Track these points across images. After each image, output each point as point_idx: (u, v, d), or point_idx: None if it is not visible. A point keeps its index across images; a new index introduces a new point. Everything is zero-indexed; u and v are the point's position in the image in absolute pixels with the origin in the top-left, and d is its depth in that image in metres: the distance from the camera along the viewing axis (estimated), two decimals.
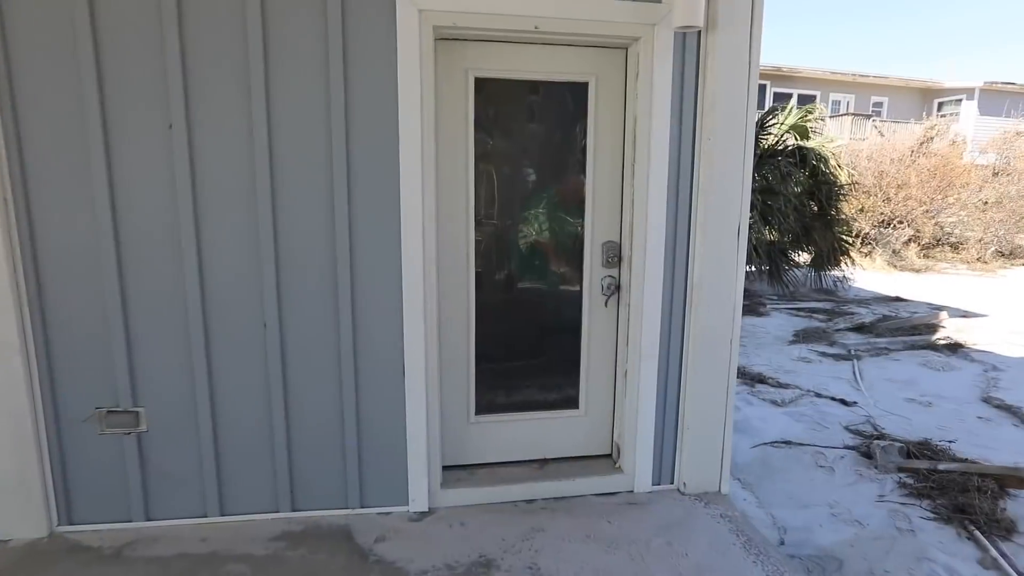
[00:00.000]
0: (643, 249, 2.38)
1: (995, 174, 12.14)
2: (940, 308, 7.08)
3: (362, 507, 2.37)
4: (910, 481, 3.02)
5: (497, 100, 2.47)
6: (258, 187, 2.09)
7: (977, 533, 2.55)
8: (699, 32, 2.24)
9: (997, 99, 19.05)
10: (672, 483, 2.60)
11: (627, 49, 2.37)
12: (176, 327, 2.14)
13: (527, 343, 2.78)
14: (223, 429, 2.24)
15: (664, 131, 2.29)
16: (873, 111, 19.13)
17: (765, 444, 3.48)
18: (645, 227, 2.36)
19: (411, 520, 2.35)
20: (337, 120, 2.09)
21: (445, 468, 2.56)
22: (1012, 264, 11.43)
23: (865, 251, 10.43)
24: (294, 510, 2.32)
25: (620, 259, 2.52)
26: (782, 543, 2.48)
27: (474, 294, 2.56)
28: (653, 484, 2.58)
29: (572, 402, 2.75)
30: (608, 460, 2.71)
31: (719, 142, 2.29)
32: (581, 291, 2.62)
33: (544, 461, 2.71)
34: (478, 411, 2.67)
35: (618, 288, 2.61)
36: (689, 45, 2.26)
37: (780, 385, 4.55)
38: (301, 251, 2.17)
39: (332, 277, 2.20)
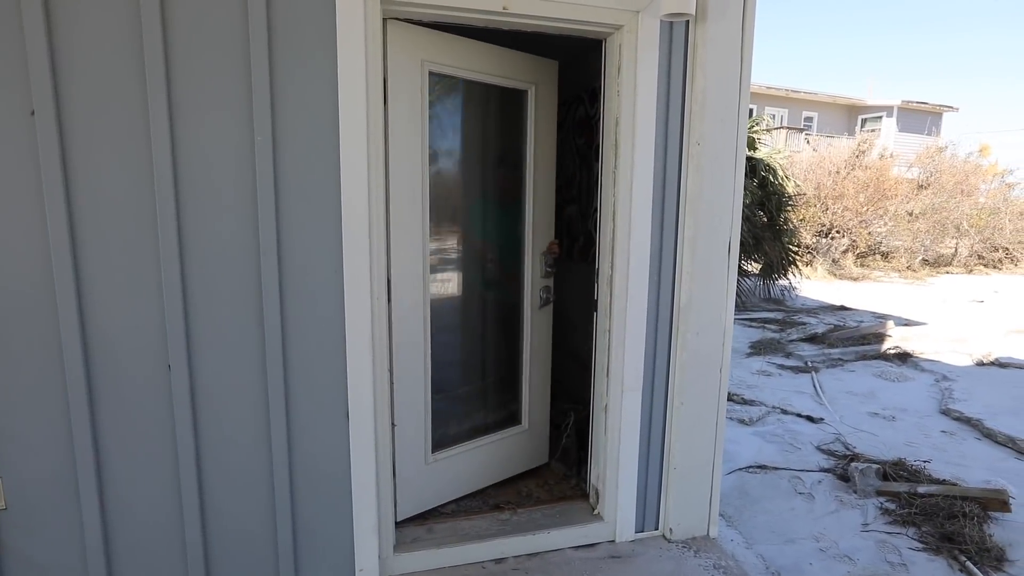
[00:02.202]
0: (625, 267, 2.09)
1: (920, 187, 12.83)
2: (884, 317, 7.25)
3: None
4: (892, 506, 2.88)
5: (447, 101, 2.21)
6: (159, 193, 1.66)
7: (970, 565, 2.41)
8: (687, 22, 1.99)
9: (913, 117, 20.40)
10: (657, 529, 2.32)
11: (606, 40, 2.09)
12: (46, 370, 1.66)
13: (474, 363, 2.65)
14: (115, 498, 1.77)
15: (649, 134, 2.02)
16: (805, 125, 20.02)
17: (740, 470, 3.28)
18: (628, 242, 2.07)
19: None
20: (262, 114, 1.69)
21: (399, 524, 2.18)
22: (938, 272, 12.07)
23: (807, 260, 10.72)
24: None
25: (599, 279, 2.23)
26: None
27: (429, 316, 2.24)
28: (636, 531, 2.28)
29: (515, 418, 2.70)
30: (584, 504, 2.40)
31: (708, 147, 2.04)
32: (521, 303, 2.58)
33: (514, 509, 2.38)
34: (434, 448, 2.35)
35: (550, 300, 2.63)
36: (676, 37, 2.00)
37: (745, 402, 4.41)
38: (216, 274, 1.74)
39: (257, 304, 1.78)
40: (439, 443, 2.38)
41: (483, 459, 2.54)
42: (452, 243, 2.44)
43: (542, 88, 2.45)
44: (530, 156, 2.47)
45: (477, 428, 2.56)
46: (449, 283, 2.47)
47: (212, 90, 1.67)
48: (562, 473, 2.73)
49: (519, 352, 2.61)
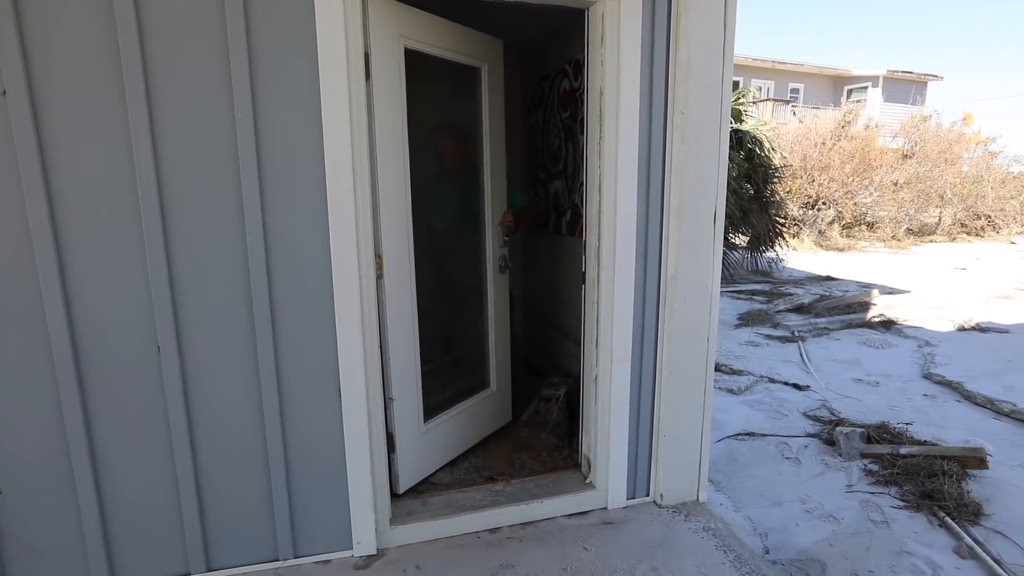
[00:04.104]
0: (612, 238, 2.10)
1: (905, 157, 12.91)
2: (869, 286, 7.36)
3: (296, 557, 1.98)
4: (875, 468, 2.96)
5: (414, 79, 2.20)
6: (139, 173, 1.64)
7: (948, 520, 2.49)
8: None
9: (898, 87, 20.41)
10: (648, 495, 2.37)
11: (588, 9, 2.07)
12: (32, 354, 1.65)
13: (449, 332, 2.77)
14: (110, 481, 1.78)
15: (634, 104, 2.01)
16: (791, 96, 19.96)
17: (729, 437, 3.36)
18: (615, 214, 2.08)
19: (357, 568, 1.98)
20: (241, 90, 1.67)
21: (395, 497, 2.21)
22: (921, 241, 12.22)
23: (793, 232, 10.79)
24: (210, 569, 1.90)
25: (586, 251, 2.24)
26: (766, 551, 2.32)
27: (415, 290, 2.28)
28: (628, 498, 2.33)
29: (484, 382, 2.82)
30: (576, 474, 2.45)
31: (693, 116, 2.04)
32: (485, 271, 2.71)
33: (507, 480, 2.42)
34: (426, 417, 2.42)
35: (508, 267, 2.78)
36: (659, 5, 1.98)
37: (734, 372, 4.48)
38: (202, 254, 1.73)
39: (244, 283, 1.77)
40: (427, 413, 2.44)
41: (463, 424, 2.65)
42: (423, 217, 2.46)
43: (493, 66, 2.55)
44: (485, 131, 2.57)
45: (456, 394, 2.67)
46: (421, 255, 2.51)
47: (190, 66, 1.64)
48: (554, 444, 2.77)
49: (484, 318, 2.75)
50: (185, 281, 1.73)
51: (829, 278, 8.25)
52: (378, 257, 2.04)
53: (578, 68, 2.87)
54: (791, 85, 20.46)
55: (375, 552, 2.03)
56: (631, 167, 2.06)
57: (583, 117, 2.20)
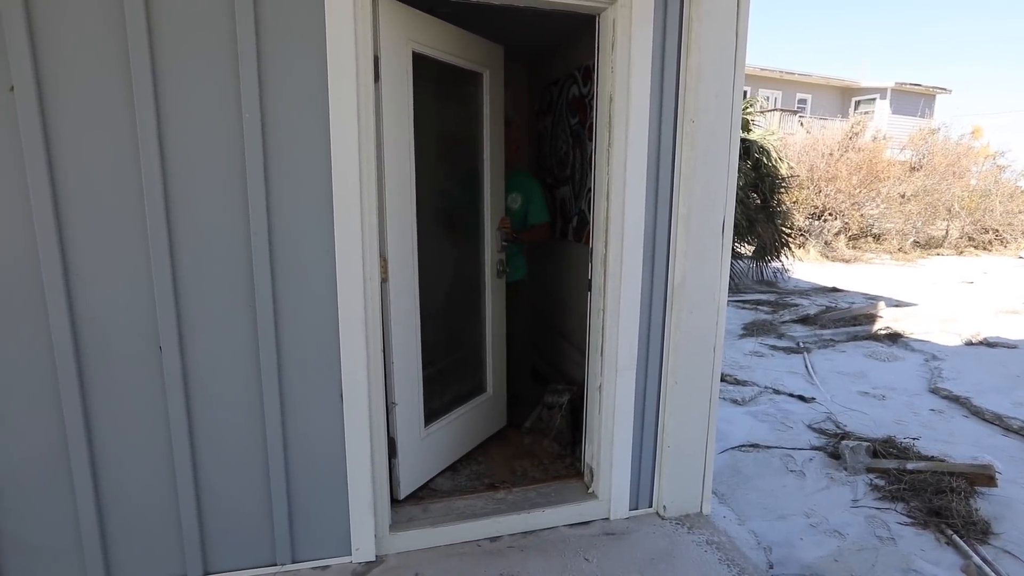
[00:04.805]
0: (620, 246, 2.08)
1: (912, 169, 12.85)
2: (875, 298, 7.30)
3: (294, 562, 1.95)
4: (881, 483, 2.92)
5: (419, 83, 2.19)
6: (145, 173, 1.63)
7: (956, 538, 2.45)
8: None
9: (906, 99, 20.35)
10: (651, 506, 2.34)
11: (599, 16, 2.05)
12: (34, 353, 1.64)
13: (450, 336, 2.76)
14: (109, 480, 1.76)
15: (643, 111, 2.00)
16: (798, 107, 19.93)
17: (733, 448, 3.32)
18: (622, 221, 2.06)
19: (355, 574, 1.96)
20: (249, 90, 1.66)
21: (395, 503, 2.19)
22: (928, 254, 12.14)
23: (799, 242, 10.74)
24: (207, 572, 1.88)
25: (592, 258, 2.22)
26: (771, 567, 2.28)
27: (418, 293, 2.27)
28: (631, 509, 2.30)
29: (481, 386, 2.83)
30: (579, 483, 2.42)
31: (703, 124, 2.02)
32: (483, 275, 2.71)
33: (508, 488, 2.39)
34: (426, 422, 2.40)
35: (505, 272, 2.78)
36: (671, 11, 1.97)
37: (738, 382, 4.45)
38: (206, 255, 1.72)
39: (248, 285, 1.76)
40: (427, 418, 2.42)
41: (461, 429, 2.64)
42: (423, 220, 2.46)
43: (494, 72, 2.58)
44: (486, 137, 2.58)
45: (455, 399, 2.66)
46: (421, 258, 2.50)
47: (198, 64, 1.63)
48: (556, 452, 2.74)
49: (481, 322, 2.75)
50: (188, 281, 1.72)
51: (835, 289, 8.19)
52: (383, 260, 2.03)
53: (587, 74, 2.86)
54: (799, 96, 20.43)
55: (374, 559, 2.01)
56: (640, 174, 2.04)
57: (592, 123, 2.18)
